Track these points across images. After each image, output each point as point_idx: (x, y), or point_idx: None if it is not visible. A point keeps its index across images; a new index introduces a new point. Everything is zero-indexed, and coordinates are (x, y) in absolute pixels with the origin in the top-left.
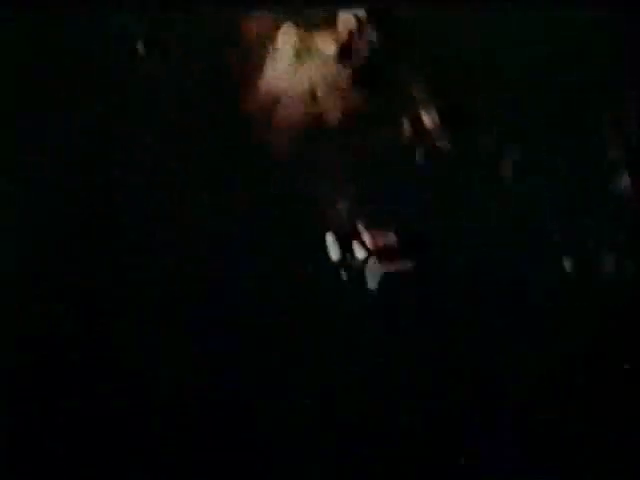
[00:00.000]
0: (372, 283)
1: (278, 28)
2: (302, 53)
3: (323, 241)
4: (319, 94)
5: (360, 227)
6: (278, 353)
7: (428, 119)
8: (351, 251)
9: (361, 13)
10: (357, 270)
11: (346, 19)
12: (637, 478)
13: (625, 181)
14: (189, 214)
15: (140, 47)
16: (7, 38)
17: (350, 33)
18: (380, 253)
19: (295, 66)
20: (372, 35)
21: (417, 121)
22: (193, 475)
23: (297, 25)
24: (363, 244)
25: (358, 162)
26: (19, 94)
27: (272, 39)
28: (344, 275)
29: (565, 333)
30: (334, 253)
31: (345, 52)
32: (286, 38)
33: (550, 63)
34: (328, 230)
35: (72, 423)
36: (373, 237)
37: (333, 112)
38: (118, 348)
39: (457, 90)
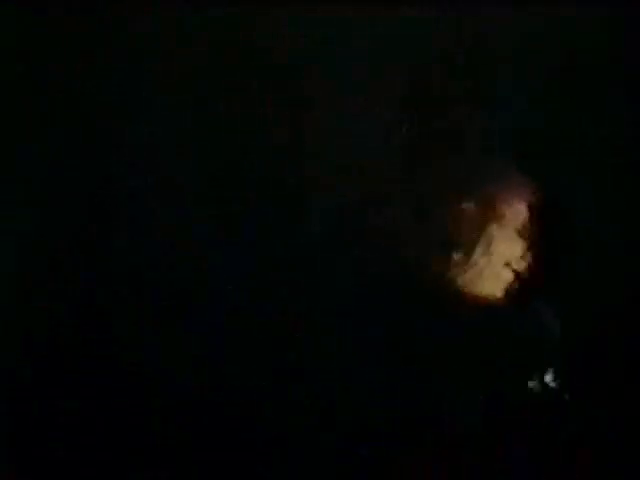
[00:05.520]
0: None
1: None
2: None
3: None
4: None
5: None
6: (278, 353)
7: None
8: None
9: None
10: None
11: None
12: (637, 478)
13: None
14: (190, 212)
15: None
16: (6, 38)
17: None
18: None
19: None
20: None
21: None
22: (193, 475)
23: None
24: None
25: None
26: (19, 94)
27: None
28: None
29: (564, 333)
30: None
31: None
32: None
33: (549, 63)
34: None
35: (72, 423)
36: None
37: None
38: (118, 348)
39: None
